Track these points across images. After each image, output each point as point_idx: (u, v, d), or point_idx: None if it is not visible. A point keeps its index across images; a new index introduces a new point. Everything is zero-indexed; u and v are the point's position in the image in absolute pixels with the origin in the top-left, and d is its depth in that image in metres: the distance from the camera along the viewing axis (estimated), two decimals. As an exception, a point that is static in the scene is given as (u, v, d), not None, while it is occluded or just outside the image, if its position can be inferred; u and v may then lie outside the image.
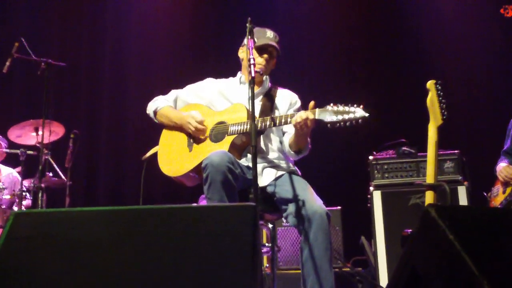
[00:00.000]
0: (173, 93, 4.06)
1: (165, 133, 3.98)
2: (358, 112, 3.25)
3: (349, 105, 3.28)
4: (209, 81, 4.06)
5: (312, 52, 7.71)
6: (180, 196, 6.88)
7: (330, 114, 3.28)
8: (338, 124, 3.27)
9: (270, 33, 3.86)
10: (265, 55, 3.81)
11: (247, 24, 3.41)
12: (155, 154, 3.96)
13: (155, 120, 4.00)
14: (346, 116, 3.25)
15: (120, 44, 8.16)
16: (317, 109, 3.33)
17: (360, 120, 3.26)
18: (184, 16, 8.17)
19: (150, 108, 4.01)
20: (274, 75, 4.02)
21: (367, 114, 3.25)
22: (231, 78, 4.07)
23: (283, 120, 3.48)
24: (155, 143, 4.00)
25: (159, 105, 3.96)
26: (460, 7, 7.45)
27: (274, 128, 3.72)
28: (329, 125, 3.29)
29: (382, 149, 5.29)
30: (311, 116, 3.32)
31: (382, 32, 7.58)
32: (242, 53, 3.95)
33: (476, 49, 7.29)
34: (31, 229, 2.25)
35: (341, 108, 3.28)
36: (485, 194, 5.22)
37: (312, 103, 3.37)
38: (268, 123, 3.51)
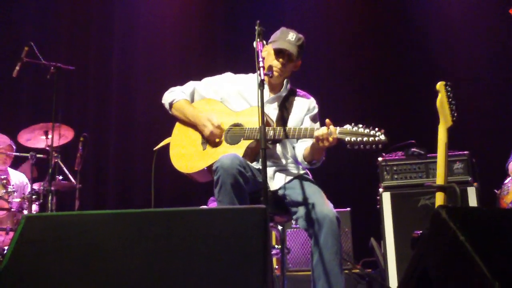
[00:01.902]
0: (191, 85, 3.98)
1: (178, 126, 3.93)
2: (379, 137, 3.24)
3: (370, 127, 3.27)
4: (227, 77, 3.97)
5: (320, 53, 7.69)
6: (190, 195, 6.89)
7: (351, 134, 3.27)
8: (357, 146, 3.27)
9: (292, 36, 3.76)
10: (281, 59, 3.74)
11: (256, 27, 3.39)
12: (167, 146, 3.93)
13: (170, 112, 3.94)
14: (365, 139, 3.24)
15: (128, 47, 8.17)
16: (338, 128, 3.32)
17: (380, 145, 3.26)
18: (192, 20, 8.17)
19: (166, 99, 3.93)
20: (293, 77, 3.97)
21: (387, 139, 3.24)
22: (250, 75, 3.95)
23: (298, 134, 3.46)
24: (166, 147, 3.98)
25: (176, 98, 3.89)
26: (469, 7, 7.43)
27: None
28: (348, 145, 3.28)
29: (391, 151, 5.27)
30: (334, 136, 3.31)
31: (391, 33, 7.56)
32: (265, 52, 3.79)
33: (484, 49, 7.26)
34: (42, 233, 2.26)
35: (361, 129, 3.27)
36: (495, 191, 5.20)
37: (327, 121, 3.36)
38: (283, 134, 3.49)
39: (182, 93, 3.93)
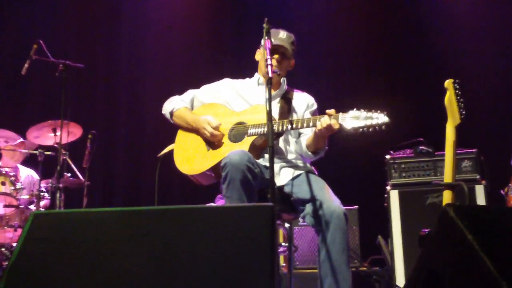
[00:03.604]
0: (190, 93, 4.05)
1: (181, 133, 3.98)
2: (381, 118, 3.26)
3: (372, 110, 3.28)
4: (226, 81, 4.06)
5: (328, 52, 7.69)
6: (196, 195, 6.90)
7: (353, 119, 3.29)
8: (361, 130, 3.27)
9: (283, 34, 3.83)
10: (276, 56, 3.76)
11: (264, 25, 3.40)
12: (171, 152, 3.96)
13: (171, 121, 4.01)
14: (368, 122, 3.25)
15: (137, 45, 8.19)
16: (340, 114, 3.33)
17: (383, 127, 3.26)
18: (201, 15, 8.19)
19: (166, 108, 4.01)
20: (290, 76, 4.01)
21: (389, 120, 3.25)
22: (248, 79, 4.06)
23: (301, 124, 3.49)
24: (172, 142, 4.00)
25: (175, 106, 3.96)
26: (477, 5, 7.40)
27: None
28: (352, 130, 3.29)
29: (399, 148, 5.26)
30: (336, 126, 3.33)
31: (399, 31, 7.55)
32: (258, 54, 3.94)
33: (492, 47, 7.24)
34: (50, 230, 2.27)
35: (363, 113, 3.28)
36: (501, 191, 5.18)
37: (332, 110, 3.37)
38: (287, 126, 3.51)
39: (181, 101, 4.00)
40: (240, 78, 4.09)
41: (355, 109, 3.32)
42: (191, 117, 3.88)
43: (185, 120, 3.90)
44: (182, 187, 7.20)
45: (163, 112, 4.04)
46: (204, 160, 3.75)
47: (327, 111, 3.38)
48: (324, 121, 3.36)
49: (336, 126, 3.33)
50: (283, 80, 3.94)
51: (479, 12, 7.36)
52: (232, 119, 3.79)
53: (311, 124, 3.46)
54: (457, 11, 7.50)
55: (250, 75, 4.06)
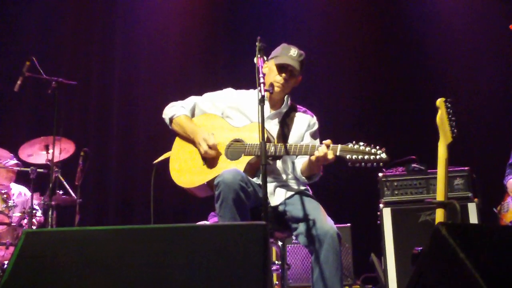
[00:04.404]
0: (192, 100, 4.00)
1: (178, 141, 3.94)
2: (380, 155, 3.24)
3: (372, 146, 3.28)
4: (228, 92, 3.99)
5: (321, 67, 7.71)
6: (190, 210, 6.88)
7: (352, 152, 3.28)
8: (358, 164, 3.27)
9: (294, 52, 3.78)
10: (284, 74, 3.75)
11: (257, 43, 3.41)
12: (166, 160, 3.94)
13: (170, 127, 3.98)
14: (367, 157, 3.24)
15: (129, 61, 8.20)
16: (339, 146, 3.32)
17: (381, 164, 3.26)
18: (194, 34, 8.21)
19: (167, 113, 3.96)
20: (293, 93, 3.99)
21: (388, 158, 3.25)
22: (251, 91, 3.97)
23: (299, 151, 3.47)
24: (166, 161, 3.99)
25: (176, 113, 3.91)
26: (469, 23, 7.46)
27: None
28: (349, 163, 3.28)
29: (391, 166, 5.28)
30: (330, 156, 3.31)
31: (391, 49, 7.60)
32: (265, 68, 3.82)
33: (484, 66, 7.29)
34: (42, 248, 2.26)
35: (362, 147, 3.27)
36: (494, 210, 5.19)
37: (328, 141, 3.37)
38: (284, 153, 3.50)
39: (182, 108, 3.95)
40: (244, 89, 4.02)
41: (354, 141, 3.32)
42: (190, 128, 3.83)
43: (183, 129, 3.86)
44: (176, 201, 7.18)
45: (163, 116, 3.99)
46: (199, 174, 3.73)
47: (324, 142, 3.37)
48: (321, 150, 3.34)
49: (331, 156, 3.32)
50: (286, 97, 3.90)
51: (471, 30, 7.42)
52: (230, 135, 3.76)
53: (308, 152, 3.43)
54: (450, 28, 7.56)
55: (246, 83, 3.97)
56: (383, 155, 3.25)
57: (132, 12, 8.32)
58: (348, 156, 3.27)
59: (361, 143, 3.29)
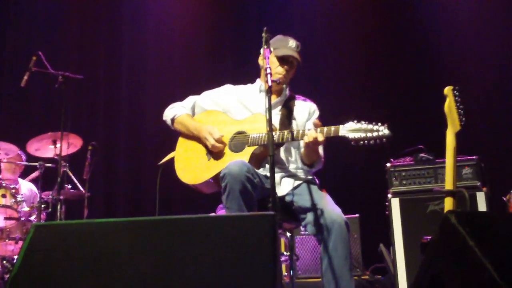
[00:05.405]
0: (191, 99, 4.04)
1: (182, 140, 3.97)
2: (383, 130, 3.24)
3: (373, 123, 3.27)
4: (227, 88, 4.04)
5: (327, 58, 7.70)
6: (197, 205, 6.89)
7: (354, 131, 3.27)
8: (361, 142, 3.25)
9: (292, 43, 3.83)
10: (286, 66, 3.79)
11: (263, 34, 3.41)
12: (172, 160, 3.95)
13: (172, 127, 4.00)
14: (369, 134, 3.23)
15: (137, 56, 8.21)
16: (340, 126, 3.32)
17: (384, 139, 3.24)
18: (200, 28, 8.21)
19: (167, 115, 4.00)
20: (291, 82, 4.00)
21: (391, 133, 3.23)
22: (249, 85, 4.04)
23: (302, 135, 3.46)
24: (173, 151, 3.99)
25: (177, 113, 3.95)
26: (477, 12, 7.41)
27: None
28: (353, 142, 3.27)
29: (399, 156, 5.26)
30: (320, 138, 3.32)
31: (399, 38, 7.55)
32: (261, 60, 3.84)
33: (493, 53, 7.24)
34: (51, 242, 2.26)
35: (364, 125, 3.27)
36: (503, 198, 5.17)
37: (316, 121, 3.37)
38: (287, 136, 3.50)
39: (182, 108, 3.99)
40: (242, 84, 4.08)
41: (355, 120, 3.31)
42: (193, 125, 3.86)
43: (186, 127, 3.89)
44: (183, 197, 7.18)
45: (164, 118, 4.02)
46: (205, 169, 3.74)
47: (313, 121, 3.37)
48: (310, 134, 3.35)
49: (321, 139, 3.32)
50: (284, 87, 3.92)
51: (479, 18, 7.37)
52: (232, 128, 3.77)
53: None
54: (457, 17, 7.51)
55: (251, 80, 4.04)
56: (386, 131, 3.24)
57: (139, 6, 8.32)
58: (351, 136, 3.27)
59: (363, 121, 3.28)
